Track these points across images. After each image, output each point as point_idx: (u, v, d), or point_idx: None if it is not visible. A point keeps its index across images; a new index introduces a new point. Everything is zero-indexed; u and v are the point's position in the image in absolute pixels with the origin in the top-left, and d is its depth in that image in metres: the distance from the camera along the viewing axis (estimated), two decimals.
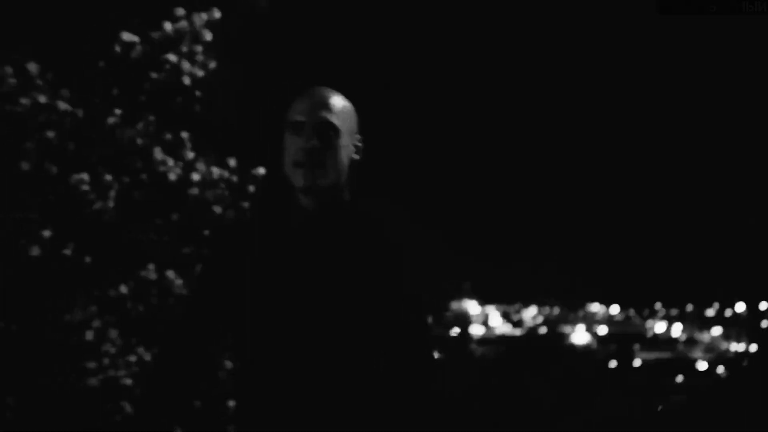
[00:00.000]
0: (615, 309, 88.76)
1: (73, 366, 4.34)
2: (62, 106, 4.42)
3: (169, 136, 5.09)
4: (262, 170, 5.47)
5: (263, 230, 1.78)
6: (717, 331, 69.59)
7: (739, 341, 61.94)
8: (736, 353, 56.89)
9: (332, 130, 1.72)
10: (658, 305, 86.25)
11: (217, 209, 5.31)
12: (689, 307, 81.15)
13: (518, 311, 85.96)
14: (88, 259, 4.47)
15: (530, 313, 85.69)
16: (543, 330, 69.06)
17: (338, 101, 1.76)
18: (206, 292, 1.81)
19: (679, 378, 41.72)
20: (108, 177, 4.57)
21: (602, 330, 72.79)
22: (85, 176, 4.44)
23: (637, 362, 49.06)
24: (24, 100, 4.23)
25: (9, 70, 4.21)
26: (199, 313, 1.80)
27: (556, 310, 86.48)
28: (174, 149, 5.13)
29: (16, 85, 4.25)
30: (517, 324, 78.98)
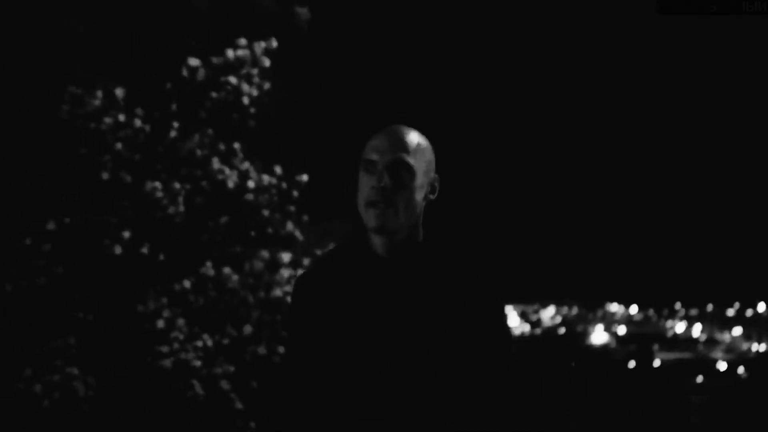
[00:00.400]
0: (634, 309, 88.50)
1: (149, 350, 4.95)
2: (137, 123, 5.04)
3: (222, 146, 5.71)
4: (305, 177, 6.08)
5: (337, 280, 1.72)
6: (737, 331, 69.22)
7: (759, 341, 61.62)
8: (757, 353, 56.66)
9: (406, 170, 1.65)
10: (677, 305, 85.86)
11: (266, 212, 5.94)
12: (709, 307, 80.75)
13: (536, 311, 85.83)
14: (162, 257, 5.08)
15: (548, 313, 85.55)
16: (561, 330, 69.09)
17: (414, 139, 1.68)
18: (298, 353, 1.73)
19: (700, 378, 41.73)
20: (176, 185, 5.18)
21: (621, 330, 72.62)
22: (158, 184, 5.05)
23: (656, 362, 49.05)
24: (108, 119, 4.85)
25: (99, 93, 4.84)
26: (298, 377, 1.72)
27: (575, 310, 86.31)
28: (227, 158, 5.75)
29: (100, 106, 4.87)
30: (536, 324, 78.91)
